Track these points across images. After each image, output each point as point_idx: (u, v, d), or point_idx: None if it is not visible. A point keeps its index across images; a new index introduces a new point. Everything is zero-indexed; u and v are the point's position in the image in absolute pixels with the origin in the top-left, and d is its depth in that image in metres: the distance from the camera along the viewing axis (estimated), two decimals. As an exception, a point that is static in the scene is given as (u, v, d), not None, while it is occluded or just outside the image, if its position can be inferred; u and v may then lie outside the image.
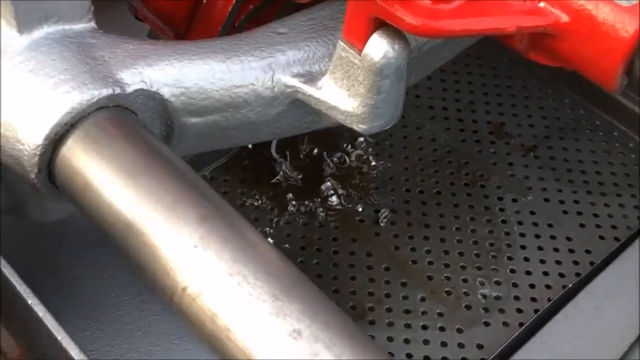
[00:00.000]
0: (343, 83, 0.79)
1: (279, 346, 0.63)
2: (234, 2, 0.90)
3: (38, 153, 0.73)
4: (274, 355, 0.62)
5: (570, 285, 1.11)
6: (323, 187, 1.22)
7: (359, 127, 0.80)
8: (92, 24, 0.80)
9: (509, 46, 0.73)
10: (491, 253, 1.16)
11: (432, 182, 1.24)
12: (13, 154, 0.75)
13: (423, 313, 1.10)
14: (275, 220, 1.19)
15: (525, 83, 1.39)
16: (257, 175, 1.23)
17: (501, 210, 1.22)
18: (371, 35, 0.75)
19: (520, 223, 1.20)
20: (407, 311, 1.10)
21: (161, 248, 0.68)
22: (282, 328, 0.63)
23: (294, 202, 1.20)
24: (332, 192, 1.22)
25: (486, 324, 1.10)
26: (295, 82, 0.81)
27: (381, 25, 0.74)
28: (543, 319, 1.07)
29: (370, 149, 1.27)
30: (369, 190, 1.23)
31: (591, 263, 1.15)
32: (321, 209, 1.20)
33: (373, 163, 1.26)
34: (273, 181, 1.23)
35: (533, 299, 1.12)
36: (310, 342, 0.62)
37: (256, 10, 0.93)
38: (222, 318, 0.65)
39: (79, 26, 0.79)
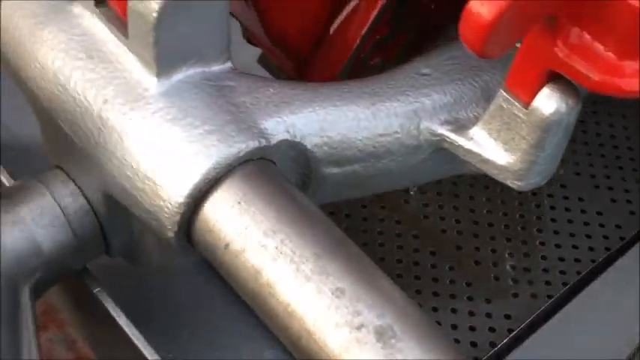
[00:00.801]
0: (499, 135, 0.72)
1: (321, 303, 0.63)
2: (362, 34, 0.83)
3: (180, 211, 0.67)
4: (316, 311, 0.63)
5: (600, 259, 1.11)
6: (353, 153, 1.21)
7: (514, 184, 0.74)
8: (229, 64, 0.73)
9: None
10: (521, 225, 1.16)
11: (462, 152, 1.24)
12: (151, 209, 0.68)
13: (452, 281, 1.10)
14: (304, 184, 1.18)
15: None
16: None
17: (532, 182, 1.21)
18: (541, 88, 0.68)
19: (550, 195, 1.19)
20: (435, 280, 1.10)
21: None
22: (325, 287, 0.63)
23: (323, 168, 1.20)
24: (362, 159, 1.21)
25: (515, 295, 1.09)
26: (443, 131, 0.75)
27: (553, 77, 0.67)
28: (572, 292, 1.07)
29: (401, 117, 1.26)
30: (400, 158, 1.22)
31: (621, 238, 1.15)
32: (351, 175, 1.19)
33: (404, 131, 1.25)
34: (303, 145, 1.22)
35: (562, 272, 1.12)
36: (353, 301, 0.62)
37: (382, 40, 0.86)
38: (264, 275, 0.65)
39: (217, 67, 0.72)
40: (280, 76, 0.91)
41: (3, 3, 0.77)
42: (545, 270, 1.12)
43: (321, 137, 0.73)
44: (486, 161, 0.74)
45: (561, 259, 1.13)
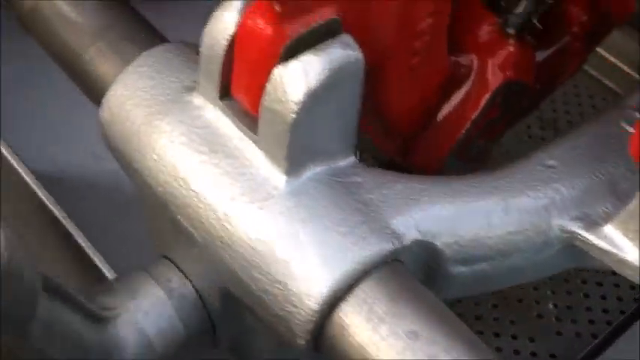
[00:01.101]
0: (637, 236, 0.70)
1: (396, 346, 0.63)
2: (473, 118, 0.81)
3: (314, 319, 0.64)
4: (391, 355, 0.62)
5: (642, 298, 1.11)
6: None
7: None
8: (354, 157, 0.71)
9: None
10: (562, 263, 1.16)
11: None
12: (280, 314, 0.65)
13: (495, 319, 1.10)
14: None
15: (576, 82, 1.37)
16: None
17: (570, 220, 1.21)
18: None
19: (589, 233, 1.19)
20: (478, 317, 1.10)
21: None
22: (399, 329, 0.63)
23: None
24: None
25: (558, 333, 1.09)
26: (575, 228, 0.72)
27: None
28: (616, 331, 1.07)
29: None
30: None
31: (662, 276, 1.15)
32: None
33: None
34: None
35: (604, 310, 1.12)
36: (428, 344, 0.63)
37: (492, 122, 0.84)
38: (336, 316, 0.65)
39: (343, 162, 0.70)
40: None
41: (111, 91, 0.74)
42: (588, 308, 1.12)
43: (451, 236, 0.70)
44: (622, 262, 0.72)
45: (603, 297, 1.13)
